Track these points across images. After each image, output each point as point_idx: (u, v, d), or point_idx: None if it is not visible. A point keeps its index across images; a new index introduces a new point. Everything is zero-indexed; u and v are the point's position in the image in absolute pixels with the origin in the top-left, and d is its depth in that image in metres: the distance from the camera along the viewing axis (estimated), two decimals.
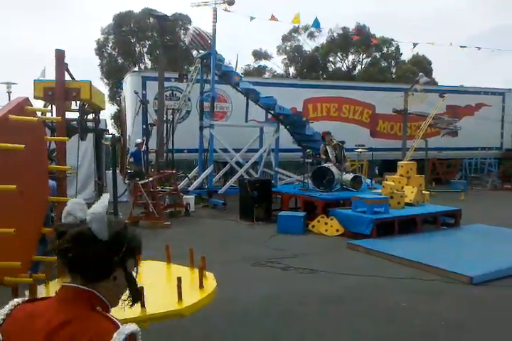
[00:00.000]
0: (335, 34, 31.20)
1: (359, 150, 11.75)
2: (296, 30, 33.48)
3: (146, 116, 12.19)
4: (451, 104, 19.00)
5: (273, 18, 14.18)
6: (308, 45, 35.04)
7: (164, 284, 3.01)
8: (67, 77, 4.00)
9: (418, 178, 10.20)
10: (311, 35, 34.17)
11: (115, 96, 30.42)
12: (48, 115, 4.23)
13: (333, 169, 10.15)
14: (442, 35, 49.24)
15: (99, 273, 1.24)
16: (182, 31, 29.29)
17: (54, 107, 4.15)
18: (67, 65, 3.93)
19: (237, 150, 13.26)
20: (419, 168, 10.84)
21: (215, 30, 12.80)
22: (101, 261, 1.22)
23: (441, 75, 49.22)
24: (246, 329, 4.37)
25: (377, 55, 34.07)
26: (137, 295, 1.35)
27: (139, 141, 12.35)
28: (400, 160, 12.32)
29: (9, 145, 2.71)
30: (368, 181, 12.03)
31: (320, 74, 34.28)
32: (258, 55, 35.39)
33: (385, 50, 33.78)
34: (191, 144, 13.91)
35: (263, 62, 36.07)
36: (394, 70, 34.35)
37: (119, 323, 1.18)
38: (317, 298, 5.22)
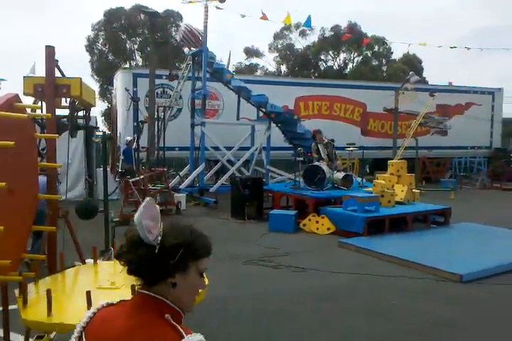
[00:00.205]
0: (326, 32, 31.29)
1: (350, 148, 11.79)
2: (287, 28, 33.48)
3: (137, 114, 12.11)
4: (442, 103, 19.14)
5: (264, 17, 14.16)
6: (300, 43, 35.09)
7: None
8: (57, 74, 3.95)
9: (408, 177, 10.25)
10: (302, 34, 34.21)
11: (106, 93, 30.22)
12: (38, 112, 4.19)
13: (325, 167, 10.17)
14: (433, 35, 49.61)
15: (154, 276, 1.23)
16: (173, 28, 29.15)
17: (44, 104, 4.10)
18: (57, 61, 3.89)
19: (228, 149, 13.23)
20: (409, 166, 10.90)
21: (206, 28, 12.74)
22: (152, 265, 1.22)
23: (432, 74, 49.52)
24: (239, 327, 4.37)
25: (369, 53, 34.19)
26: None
27: (130, 138, 12.28)
28: (391, 159, 12.38)
29: None
30: (359, 180, 12.08)
31: (311, 72, 34.33)
32: (250, 52, 35.35)
33: (376, 48, 33.91)
34: (182, 142, 13.86)
35: (255, 60, 36.08)
36: (385, 69, 34.51)
37: (184, 333, 1.19)
38: (309, 296, 5.23)
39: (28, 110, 3.38)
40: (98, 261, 3.38)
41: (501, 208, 11.23)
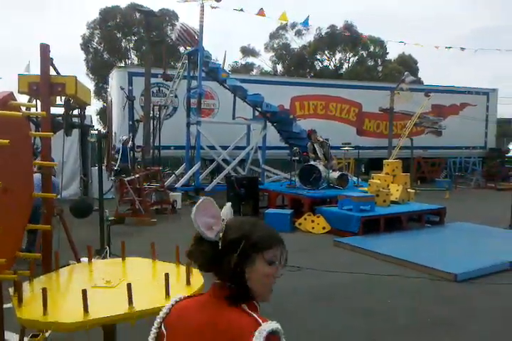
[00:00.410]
0: (323, 32, 31.31)
1: (345, 148, 11.81)
2: (283, 27, 33.51)
3: (132, 113, 12.09)
4: (437, 103, 19.22)
5: (261, 12, 14.06)
6: (296, 43, 35.13)
7: (150, 281, 2.99)
8: (52, 72, 3.94)
9: (403, 177, 10.29)
10: (298, 33, 34.25)
11: (101, 91, 30.12)
12: (33, 110, 4.17)
13: (320, 167, 10.19)
14: (429, 36, 49.77)
15: (223, 270, 1.28)
16: (169, 27, 29.10)
17: (39, 102, 4.09)
18: (52, 59, 3.87)
19: (224, 148, 13.23)
20: (404, 166, 10.93)
21: (202, 27, 12.73)
22: (217, 260, 1.28)
23: (427, 75, 49.70)
24: None
25: (364, 53, 34.27)
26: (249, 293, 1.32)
27: (125, 137, 12.25)
28: (386, 159, 12.42)
29: None
30: (355, 179, 12.11)
31: (307, 72, 34.37)
32: (246, 51, 35.34)
33: (371, 48, 33.99)
34: (178, 141, 13.84)
35: (251, 59, 36.11)
36: (380, 69, 34.60)
37: (261, 320, 1.22)
38: (305, 295, 5.23)
39: (23, 108, 3.36)
40: (93, 259, 3.37)
41: (496, 208, 11.27)
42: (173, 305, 1.39)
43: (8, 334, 3.44)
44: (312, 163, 10.41)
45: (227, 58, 19.67)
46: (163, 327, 1.35)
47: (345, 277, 5.94)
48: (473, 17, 64.64)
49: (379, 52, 34.40)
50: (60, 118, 5.14)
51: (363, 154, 13.86)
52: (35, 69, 3.89)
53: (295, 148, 11.42)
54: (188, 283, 2.71)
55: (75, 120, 5.75)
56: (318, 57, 34.77)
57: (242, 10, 13.44)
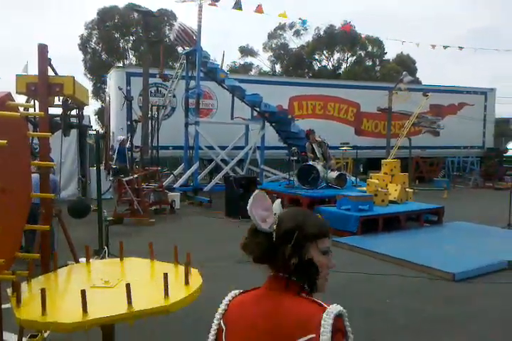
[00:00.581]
0: (321, 32, 31.32)
1: (344, 148, 11.82)
2: (281, 27, 33.52)
3: (130, 113, 12.08)
4: (435, 103, 19.24)
5: (259, 9, 13.98)
6: (294, 43, 35.13)
7: (149, 281, 2.98)
8: (50, 72, 3.93)
9: (402, 176, 10.30)
10: (296, 33, 34.25)
11: (99, 92, 30.09)
12: (31, 110, 4.16)
13: (319, 167, 10.20)
14: (427, 36, 49.84)
15: (278, 260, 1.31)
16: (167, 27, 29.08)
17: (37, 102, 4.08)
18: (50, 59, 3.87)
19: (222, 148, 13.23)
20: (402, 166, 10.94)
21: (200, 27, 12.72)
22: (272, 251, 1.30)
23: (425, 75, 49.80)
24: None
25: (362, 53, 34.29)
26: (315, 284, 1.36)
27: (122, 138, 12.24)
28: (384, 159, 12.43)
29: None
30: (353, 179, 12.12)
31: (306, 72, 34.38)
32: (245, 51, 35.33)
33: (369, 48, 34.01)
34: (176, 141, 13.84)
35: (249, 59, 36.09)
36: (378, 69, 34.62)
37: (325, 305, 1.27)
38: None
39: (21, 109, 3.36)
40: (91, 260, 3.37)
41: (494, 207, 11.29)
42: (230, 301, 1.42)
43: (6, 335, 3.44)
44: (310, 162, 10.42)
45: (226, 58, 19.69)
46: (222, 324, 1.38)
47: (344, 277, 5.94)
48: (472, 17, 64.81)
49: (377, 52, 34.43)
50: (58, 118, 5.14)
51: (362, 154, 13.89)
52: (34, 70, 3.89)
53: (293, 148, 11.43)
54: (187, 282, 2.71)
55: (73, 120, 5.76)
56: (317, 57, 34.79)
57: (240, 8, 13.39)
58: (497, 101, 21.88)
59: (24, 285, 2.69)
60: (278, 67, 35.70)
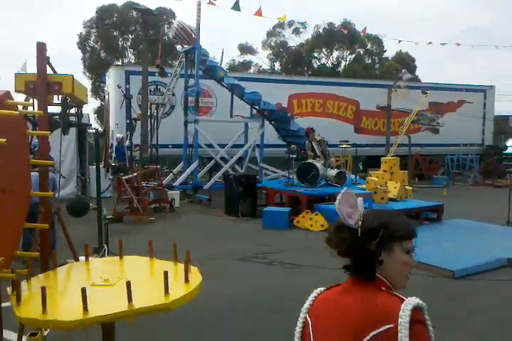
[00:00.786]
0: (320, 30, 31.26)
1: (343, 146, 11.82)
2: (280, 25, 33.47)
3: (129, 111, 12.07)
4: (434, 100, 19.23)
5: (259, 12, 14.05)
6: (293, 41, 35.09)
7: (148, 279, 2.98)
8: (49, 71, 3.92)
9: (401, 174, 10.31)
10: (296, 31, 34.20)
11: (98, 90, 30.07)
12: (30, 109, 4.16)
13: (318, 165, 10.19)
14: (428, 34, 49.78)
15: (362, 256, 1.38)
16: (166, 25, 29.03)
17: (36, 101, 4.08)
18: (48, 58, 3.86)
19: (222, 146, 13.22)
20: (402, 163, 10.95)
21: (199, 25, 12.70)
22: (356, 246, 1.37)
23: (425, 72, 49.76)
24: (233, 324, 4.38)
25: (361, 51, 34.25)
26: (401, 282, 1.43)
27: (120, 136, 12.23)
28: (384, 156, 12.43)
29: None
30: (352, 176, 12.12)
31: (305, 70, 34.35)
32: (244, 49, 35.28)
33: (369, 46, 33.97)
34: (176, 139, 13.83)
35: (248, 57, 36.03)
36: (378, 67, 34.59)
37: (404, 297, 1.32)
38: (303, 293, 5.21)
39: (20, 107, 3.35)
40: (91, 258, 3.37)
41: (493, 205, 11.29)
42: (315, 297, 1.51)
43: (6, 333, 3.44)
44: (310, 160, 10.42)
45: (225, 56, 19.66)
46: (308, 316, 1.47)
47: (344, 274, 5.95)
48: (472, 16, 64.70)
49: (376, 50, 34.40)
50: (57, 117, 5.14)
51: (361, 152, 13.89)
52: (33, 68, 3.88)
53: (293, 145, 11.42)
54: (187, 280, 2.71)
55: (72, 119, 5.76)
56: (316, 55, 34.75)
57: (238, 9, 13.39)
58: (496, 99, 21.90)
59: (24, 284, 2.69)
60: (277, 65, 35.70)
